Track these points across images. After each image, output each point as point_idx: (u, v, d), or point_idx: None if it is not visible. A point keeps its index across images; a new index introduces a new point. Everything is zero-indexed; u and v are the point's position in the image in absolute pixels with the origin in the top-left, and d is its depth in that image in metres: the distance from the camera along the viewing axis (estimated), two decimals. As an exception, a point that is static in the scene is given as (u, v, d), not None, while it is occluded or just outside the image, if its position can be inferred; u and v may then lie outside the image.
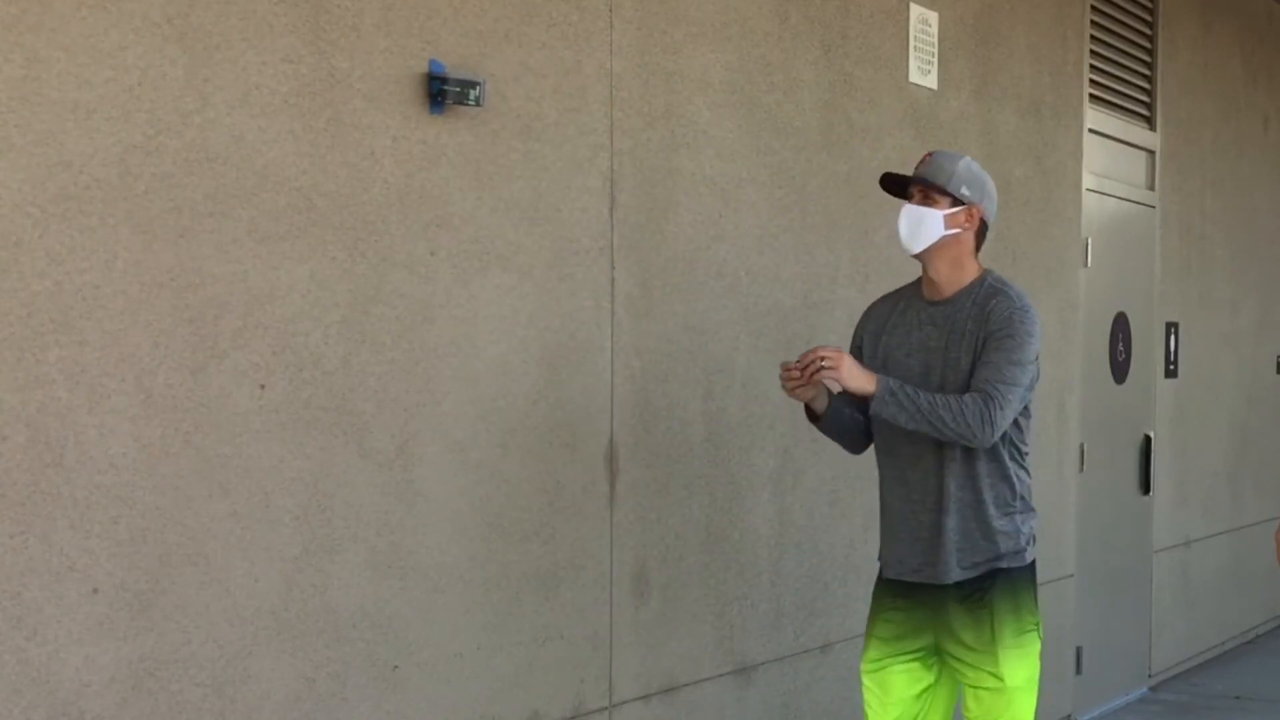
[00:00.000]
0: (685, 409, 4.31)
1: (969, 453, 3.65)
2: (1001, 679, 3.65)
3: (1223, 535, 8.24)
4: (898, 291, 3.92)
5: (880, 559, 3.85)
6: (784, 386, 3.64)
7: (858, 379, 3.57)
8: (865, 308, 3.98)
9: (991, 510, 3.67)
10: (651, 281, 4.18)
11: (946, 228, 3.68)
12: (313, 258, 3.26)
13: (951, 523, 3.66)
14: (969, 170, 3.72)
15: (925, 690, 3.78)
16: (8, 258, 2.73)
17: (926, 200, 3.70)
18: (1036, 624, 3.73)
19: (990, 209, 3.76)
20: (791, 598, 4.76)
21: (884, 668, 3.77)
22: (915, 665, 3.76)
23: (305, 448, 3.26)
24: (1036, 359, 3.68)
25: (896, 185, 3.77)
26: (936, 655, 3.77)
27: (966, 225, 3.70)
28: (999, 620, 3.66)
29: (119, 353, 2.91)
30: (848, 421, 3.80)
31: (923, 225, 3.67)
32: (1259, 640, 8.64)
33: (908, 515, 3.74)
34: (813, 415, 3.79)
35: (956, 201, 3.69)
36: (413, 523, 3.50)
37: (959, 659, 3.71)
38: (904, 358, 3.74)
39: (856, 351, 3.84)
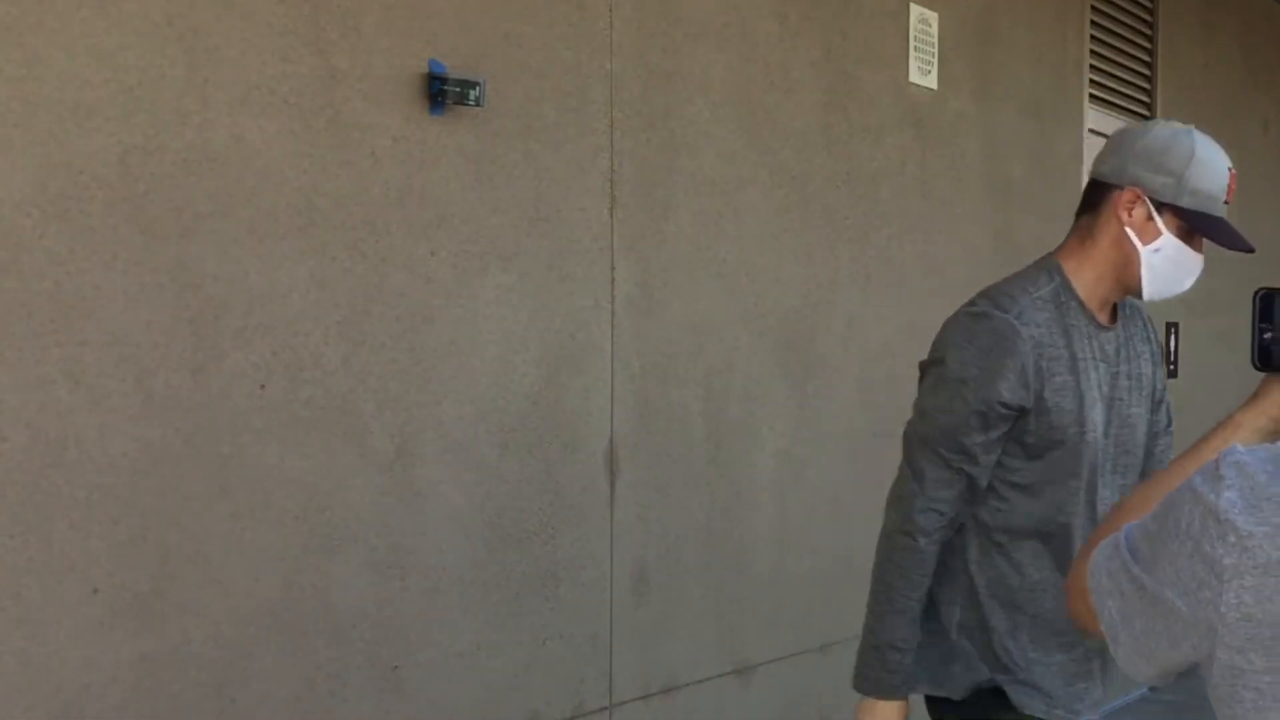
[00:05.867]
0: (685, 409, 4.31)
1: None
2: None
3: (1223, 535, 8.23)
4: (1034, 298, 2.79)
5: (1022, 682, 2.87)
6: None
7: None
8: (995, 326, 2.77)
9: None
10: (651, 281, 4.17)
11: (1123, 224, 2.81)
12: (313, 258, 3.26)
13: None
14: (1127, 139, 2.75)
15: None
16: (8, 258, 2.73)
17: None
18: None
19: (1149, 180, 2.75)
20: (791, 598, 4.76)
21: None
22: None
23: (305, 448, 3.25)
24: (967, 384, 2.69)
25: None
26: None
27: (1129, 213, 2.83)
28: None
29: (119, 353, 2.90)
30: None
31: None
32: (1259, 640, 8.63)
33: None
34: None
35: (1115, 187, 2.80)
36: (413, 523, 3.50)
37: None
38: (1128, 411, 2.92)
39: (1006, 406, 2.73)
